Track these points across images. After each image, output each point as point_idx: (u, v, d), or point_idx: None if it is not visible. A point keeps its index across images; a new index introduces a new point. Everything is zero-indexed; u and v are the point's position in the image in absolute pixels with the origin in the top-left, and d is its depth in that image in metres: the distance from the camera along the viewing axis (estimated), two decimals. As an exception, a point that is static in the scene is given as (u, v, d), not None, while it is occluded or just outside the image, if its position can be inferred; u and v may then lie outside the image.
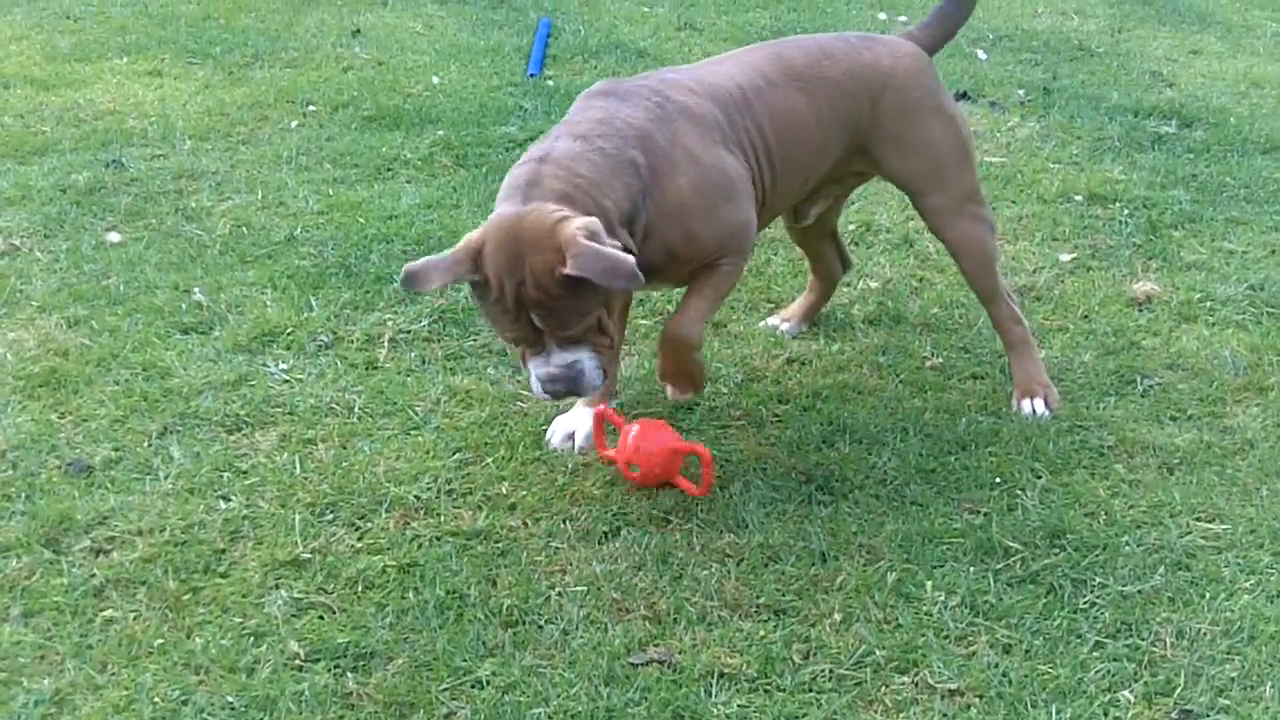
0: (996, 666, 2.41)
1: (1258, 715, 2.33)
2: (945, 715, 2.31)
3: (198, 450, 3.01)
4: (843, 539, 2.74)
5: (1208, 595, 2.61)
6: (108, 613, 2.52)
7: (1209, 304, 3.78)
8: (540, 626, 2.50)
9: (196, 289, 3.73)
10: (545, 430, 3.09)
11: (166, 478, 2.91)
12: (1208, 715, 2.33)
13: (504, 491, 2.89)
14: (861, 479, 2.94)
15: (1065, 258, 4.06)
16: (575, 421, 3.04)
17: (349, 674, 2.38)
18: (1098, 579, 2.64)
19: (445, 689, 2.35)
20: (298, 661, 2.40)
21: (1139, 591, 2.61)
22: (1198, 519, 2.85)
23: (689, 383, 3.00)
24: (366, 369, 3.37)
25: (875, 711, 2.33)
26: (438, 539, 2.74)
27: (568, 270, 2.50)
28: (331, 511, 2.82)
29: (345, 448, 3.03)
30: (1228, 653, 2.46)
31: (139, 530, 2.74)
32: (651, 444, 2.82)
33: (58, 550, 2.69)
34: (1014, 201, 4.47)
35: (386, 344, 3.48)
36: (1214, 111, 5.45)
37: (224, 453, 3.00)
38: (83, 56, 5.89)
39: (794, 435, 3.11)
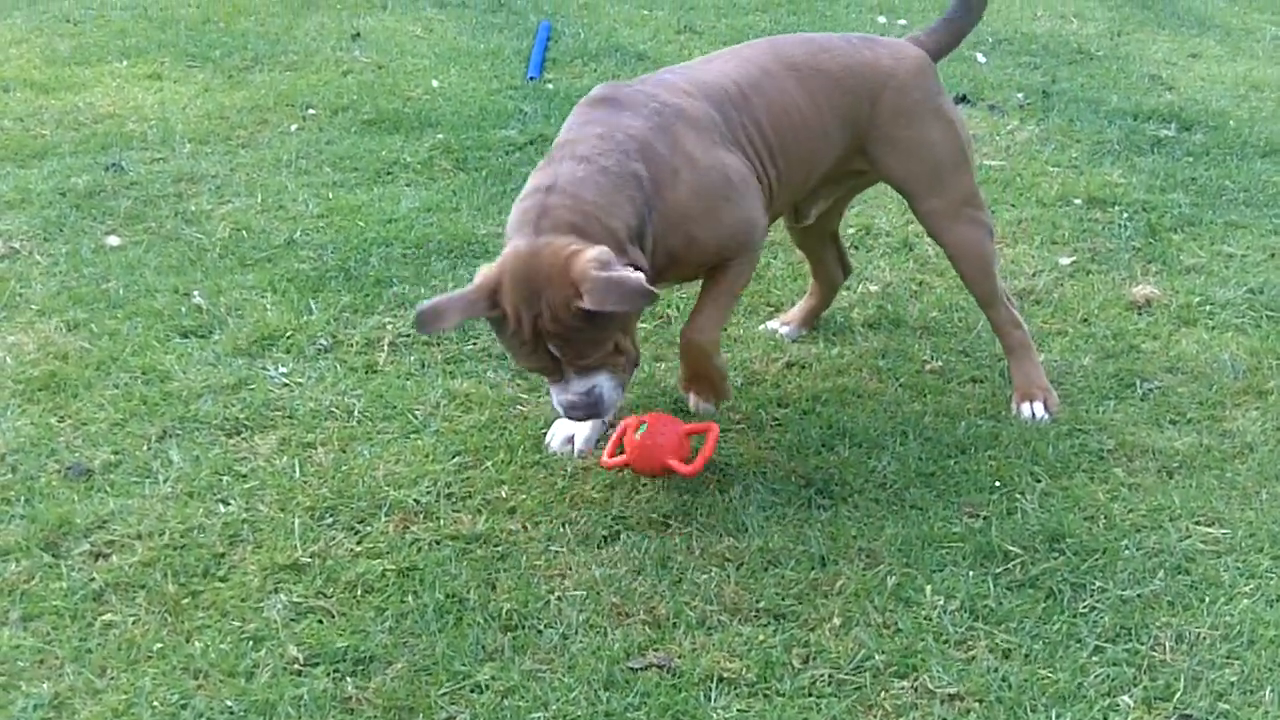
0: (996, 671, 2.41)
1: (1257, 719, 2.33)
2: (945, 720, 2.32)
3: (197, 454, 3.01)
4: (842, 543, 2.74)
5: (1207, 599, 2.61)
6: (107, 617, 2.52)
7: (1208, 307, 3.79)
8: (539, 631, 2.50)
9: (196, 292, 3.73)
10: (545, 434, 3.09)
11: (166, 481, 2.91)
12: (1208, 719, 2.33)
13: (503, 495, 2.89)
14: (861, 483, 2.94)
15: (1064, 261, 4.06)
16: (574, 425, 3.04)
17: (348, 678, 2.38)
18: (1097, 583, 2.64)
19: (444, 693, 2.35)
20: (297, 666, 2.40)
21: (1138, 596, 2.61)
22: (1197, 523, 2.84)
23: (711, 389, 3.04)
24: (366, 373, 3.37)
25: (875, 716, 2.33)
26: (437, 543, 2.74)
27: (584, 305, 2.56)
28: (331, 515, 2.82)
29: (345, 451, 3.03)
30: (1227, 657, 2.46)
31: (138, 534, 2.74)
32: (662, 435, 2.82)
33: (57, 554, 2.69)
34: (1013, 205, 4.47)
35: (386, 348, 3.48)
36: (1213, 115, 5.45)
37: (223, 456, 3.00)
38: (82, 60, 5.89)
39: (793, 439, 3.11)
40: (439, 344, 3.51)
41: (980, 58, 6.17)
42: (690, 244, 2.85)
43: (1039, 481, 2.96)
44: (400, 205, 4.33)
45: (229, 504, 2.84)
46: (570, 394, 2.72)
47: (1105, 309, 3.77)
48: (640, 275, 2.57)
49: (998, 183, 4.63)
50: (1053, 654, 2.46)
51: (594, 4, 7.11)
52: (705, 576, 2.64)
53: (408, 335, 3.53)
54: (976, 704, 2.34)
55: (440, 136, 4.94)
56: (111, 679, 2.37)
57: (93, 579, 2.61)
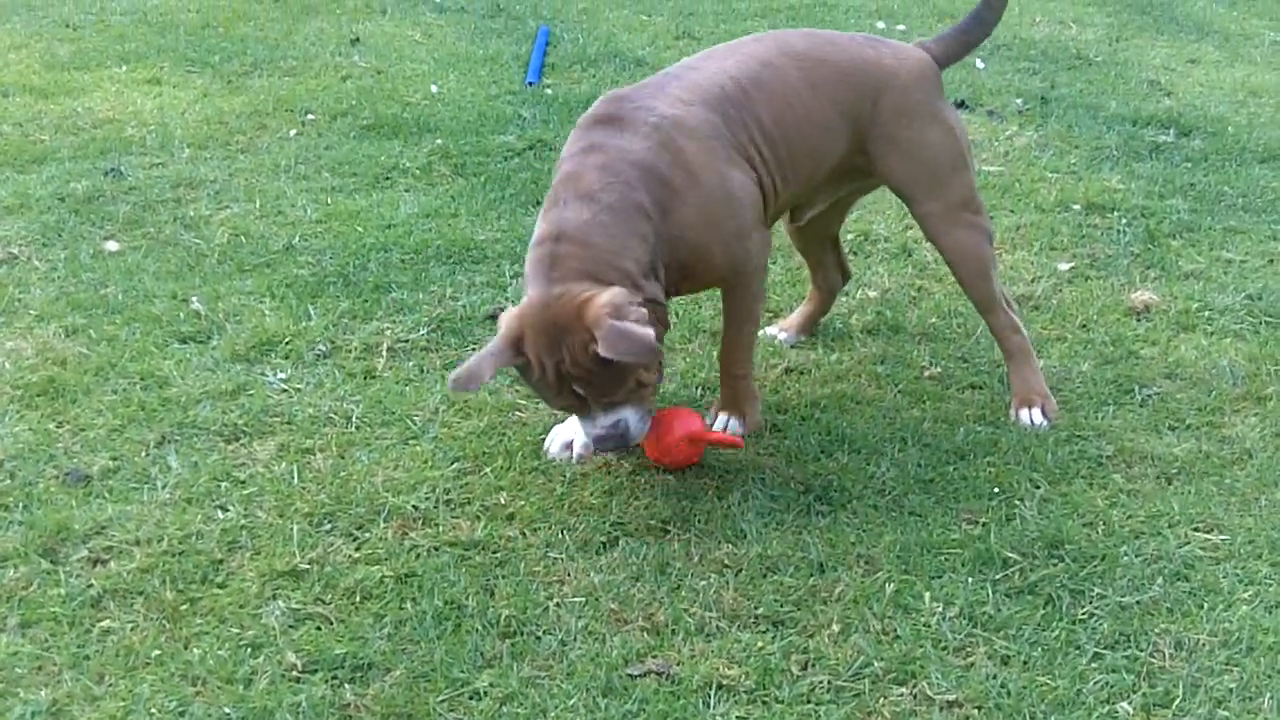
0: (995, 678, 2.41)
1: (1256, 727, 2.33)
2: (944, 727, 2.32)
3: (195, 460, 3.01)
4: (841, 549, 2.74)
5: (1206, 606, 2.60)
6: (105, 623, 2.51)
7: (1207, 313, 3.79)
8: (538, 637, 2.50)
9: (195, 298, 3.73)
10: (543, 440, 3.08)
11: (164, 487, 2.91)
12: (1206, 727, 2.34)
13: (502, 501, 2.89)
14: (860, 489, 2.94)
15: (1063, 267, 4.06)
16: (573, 431, 3.04)
17: (346, 685, 2.38)
18: (1096, 590, 2.64)
19: (443, 700, 2.35)
20: (295, 672, 2.40)
21: (1137, 602, 2.61)
22: (1196, 529, 2.84)
23: (740, 413, 3.12)
24: (364, 378, 3.37)
25: (874, 723, 2.33)
26: (436, 549, 2.74)
27: (599, 351, 2.62)
28: (329, 521, 2.81)
29: (343, 457, 3.03)
30: (1226, 664, 2.46)
31: (136, 540, 2.73)
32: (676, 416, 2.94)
33: (55, 560, 2.68)
34: (1012, 211, 4.48)
35: (384, 353, 3.48)
36: (1212, 120, 5.46)
37: (222, 462, 3.00)
38: (82, 65, 5.89)
39: (792, 445, 3.11)
40: (438, 350, 3.51)
41: (979, 63, 6.18)
42: (698, 258, 2.91)
43: (1038, 488, 2.96)
44: (399, 210, 4.33)
45: (227, 510, 2.83)
46: (598, 429, 2.80)
47: (1104, 315, 3.77)
48: (650, 332, 2.64)
49: (996, 188, 4.63)
50: (1052, 661, 2.45)
51: (593, 9, 7.11)
52: (704, 583, 2.64)
53: (406, 341, 3.53)
54: (975, 711, 2.34)
55: (439, 142, 4.94)
56: (109, 686, 2.37)
57: (91, 585, 2.60)
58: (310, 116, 5.23)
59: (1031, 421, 3.21)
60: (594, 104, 2.99)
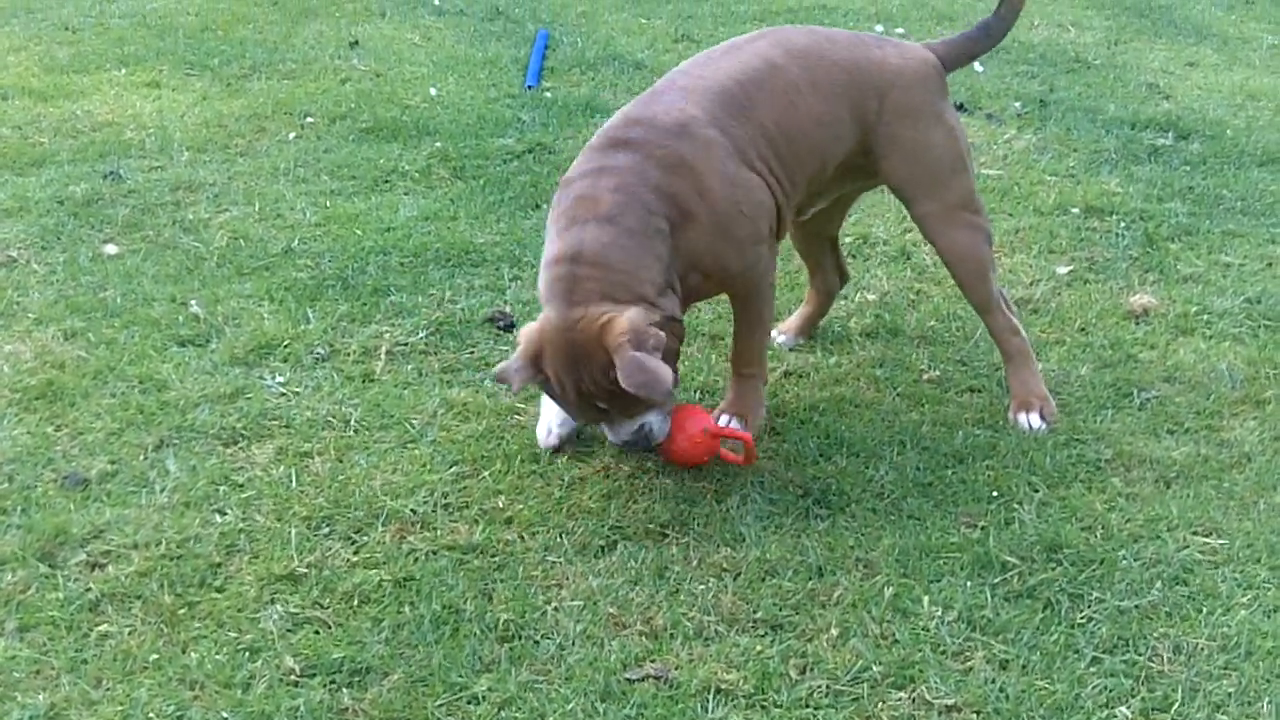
0: (994, 682, 2.41)
1: (1255, 731, 2.33)
2: (942, 731, 2.32)
3: (194, 463, 3.00)
4: (840, 553, 2.74)
5: (1205, 610, 2.60)
6: (103, 627, 2.51)
7: (1206, 317, 3.79)
8: (536, 642, 2.49)
9: (193, 301, 3.72)
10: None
11: (162, 491, 2.91)
12: (1205, 731, 2.34)
13: (500, 505, 2.88)
14: (859, 492, 2.94)
15: (1062, 270, 4.06)
16: (558, 417, 3.06)
17: (344, 689, 2.37)
18: (1095, 594, 2.64)
19: (441, 704, 2.35)
20: (293, 677, 2.40)
21: (1136, 606, 2.61)
22: (1195, 533, 2.84)
23: (744, 415, 3.11)
24: (363, 382, 3.37)
25: (872, 727, 2.33)
26: (434, 553, 2.73)
27: (619, 381, 2.67)
28: (328, 525, 2.81)
29: (342, 461, 3.03)
30: (1225, 668, 2.46)
31: (135, 544, 2.73)
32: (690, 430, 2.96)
33: (53, 564, 2.68)
34: (1010, 214, 4.48)
35: (383, 356, 3.48)
36: (1210, 124, 5.46)
37: (220, 466, 3.00)
38: (81, 68, 5.89)
39: (791, 448, 3.11)
40: (436, 353, 3.51)
41: (977, 66, 6.17)
42: (714, 265, 2.95)
43: (1036, 491, 2.96)
44: (398, 214, 4.33)
45: (225, 514, 2.83)
46: (623, 435, 2.86)
47: (1103, 318, 3.77)
48: (668, 372, 2.69)
49: (995, 191, 4.63)
50: (1050, 665, 2.45)
51: (592, 13, 7.11)
52: (702, 587, 2.64)
53: (405, 344, 3.53)
54: (974, 715, 2.34)
55: (438, 145, 4.94)
56: (107, 690, 2.37)
57: (89, 589, 2.60)
58: (309, 119, 5.23)
59: (1030, 425, 3.21)
60: (604, 127, 2.99)
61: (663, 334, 2.75)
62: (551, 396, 2.89)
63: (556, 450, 3.06)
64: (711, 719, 2.32)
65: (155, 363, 3.40)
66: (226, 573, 2.67)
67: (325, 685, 2.38)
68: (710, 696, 2.36)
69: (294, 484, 2.94)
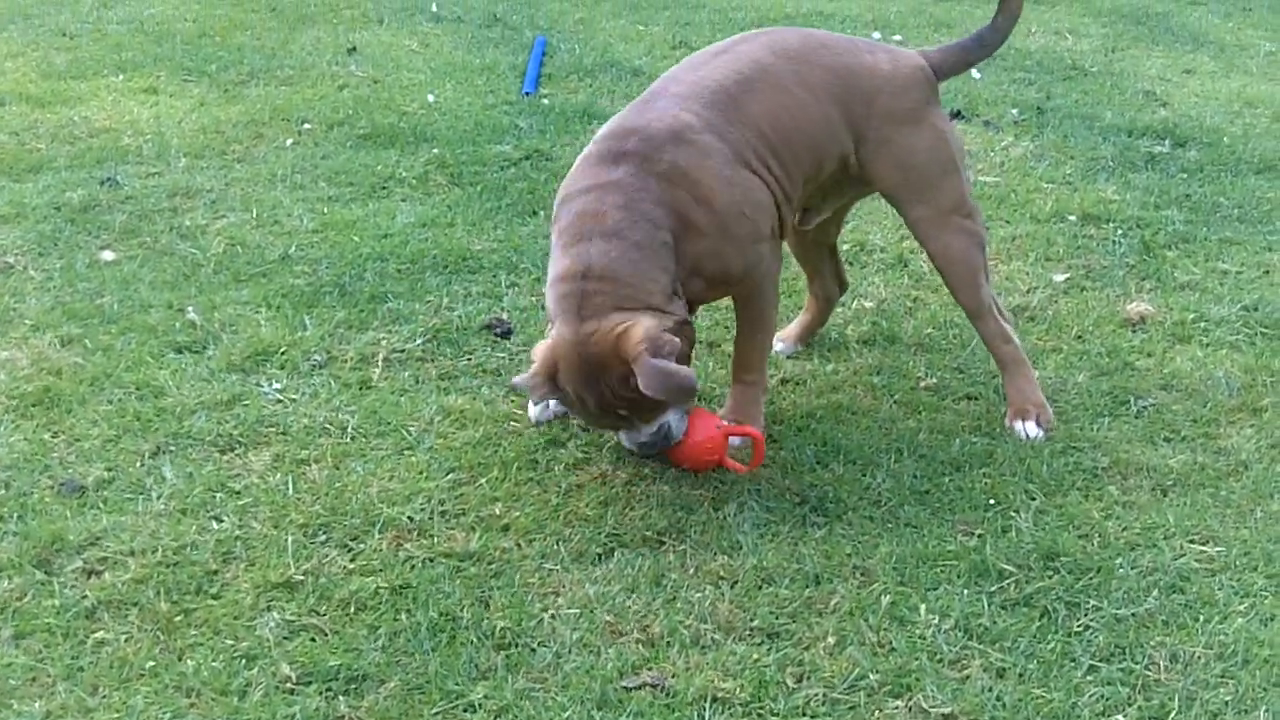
0: (990, 690, 2.40)
1: (1252, 740, 2.33)
2: (939, 739, 2.31)
3: (190, 470, 3.00)
4: (836, 561, 2.74)
5: (1201, 618, 2.60)
6: (99, 634, 2.51)
7: (1203, 324, 3.79)
8: (533, 649, 2.49)
9: (190, 308, 3.72)
10: (539, 451, 3.08)
11: (159, 498, 2.90)
12: (1202, 739, 2.33)
13: (497, 512, 2.88)
14: (855, 500, 2.94)
15: (1059, 278, 4.07)
16: None
17: (341, 697, 2.37)
18: (1091, 602, 2.64)
19: (437, 712, 2.34)
20: (289, 684, 2.39)
21: (1133, 615, 2.61)
22: (1191, 541, 2.84)
23: (747, 421, 3.11)
24: (360, 389, 3.36)
25: (869, 735, 2.33)
26: (430, 560, 2.73)
27: (640, 388, 2.70)
28: (324, 532, 2.81)
29: (338, 468, 3.03)
30: (1221, 676, 2.46)
31: (131, 551, 2.73)
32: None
33: (49, 571, 2.68)
34: (1007, 221, 4.48)
35: (380, 363, 3.47)
36: (1207, 131, 5.47)
37: (217, 473, 3.00)
38: (78, 74, 5.89)
39: (788, 456, 3.11)
40: (433, 360, 3.50)
41: (975, 74, 6.18)
42: (717, 266, 2.96)
43: (1033, 499, 2.96)
44: (395, 220, 4.33)
45: (222, 521, 2.83)
46: (643, 438, 2.91)
47: (1099, 326, 3.77)
48: (691, 373, 2.75)
49: (992, 199, 4.63)
50: (1047, 673, 2.45)
51: (589, 19, 7.12)
52: (699, 595, 2.63)
53: (402, 351, 3.53)
54: (971, 724, 2.34)
55: (436, 151, 4.95)
56: (103, 697, 2.36)
57: (85, 596, 2.60)
58: (307, 126, 5.23)
59: (1027, 433, 3.21)
60: (598, 136, 3.00)
61: (677, 340, 2.77)
62: (570, 410, 2.91)
63: (553, 420, 3.14)
64: (708, 727, 2.32)
65: (152, 369, 3.40)
66: (223, 580, 2.66)
67: (322, 693, 2.38)
68: (707, 705, 2.36)
69: (291, 491, 2.93)
